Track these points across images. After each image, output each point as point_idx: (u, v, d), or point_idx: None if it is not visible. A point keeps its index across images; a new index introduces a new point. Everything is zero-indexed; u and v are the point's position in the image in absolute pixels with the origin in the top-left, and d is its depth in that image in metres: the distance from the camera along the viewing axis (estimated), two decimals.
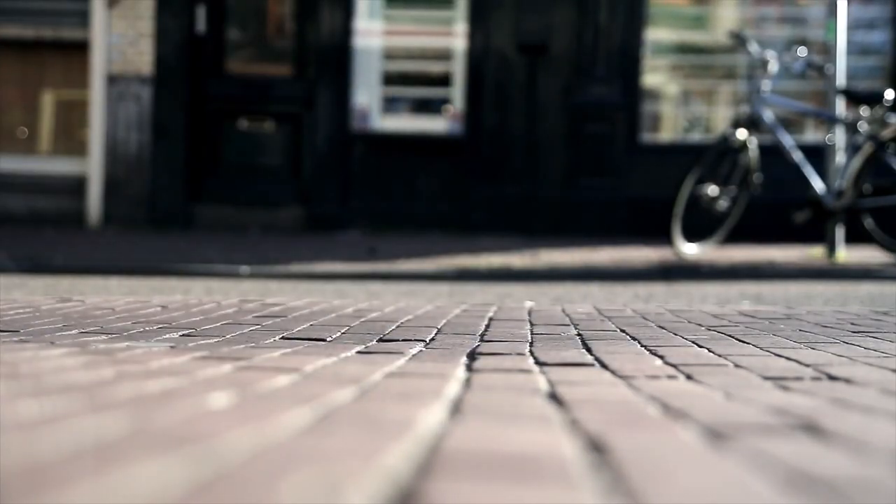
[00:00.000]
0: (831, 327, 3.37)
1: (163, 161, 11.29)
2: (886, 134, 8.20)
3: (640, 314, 3.79)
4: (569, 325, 3.36)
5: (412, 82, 11.51)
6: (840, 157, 8.49)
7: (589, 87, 11.13)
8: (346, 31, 11.30)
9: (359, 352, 2.51)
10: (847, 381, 2.04)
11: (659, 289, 6.97)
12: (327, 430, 1.37)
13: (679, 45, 11.50)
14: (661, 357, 2.44)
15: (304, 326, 3.18)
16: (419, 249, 9.05)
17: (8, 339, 2.71)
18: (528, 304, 4.55)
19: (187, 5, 11.28)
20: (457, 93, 11.37)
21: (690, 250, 8.48)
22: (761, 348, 2.68)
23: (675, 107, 11.57)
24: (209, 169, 11.43)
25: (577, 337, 2.97)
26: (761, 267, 8.08)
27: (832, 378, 2.08)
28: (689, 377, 2.09)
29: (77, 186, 11.36)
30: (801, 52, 8.90)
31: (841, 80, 8.59)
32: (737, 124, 8.67)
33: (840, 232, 8.55)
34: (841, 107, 8.59)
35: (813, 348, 2.70)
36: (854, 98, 8.54)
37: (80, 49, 11.33)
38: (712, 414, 1.60)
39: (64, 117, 11.75)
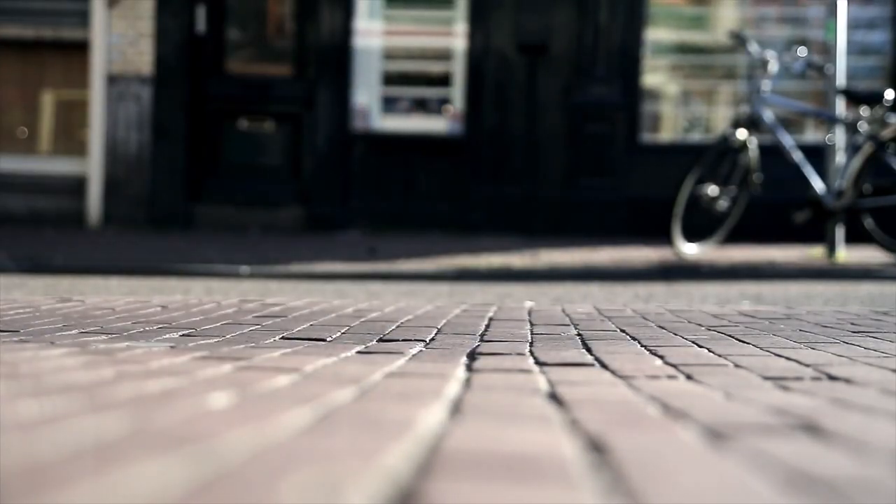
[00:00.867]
0: (831, 327, 3.37)
1: (163, 161, 11.29)
2: (886, 134, 8.19)
3: (640, 314, 3.79)
4: (569, 325, 3.36)
5: (412, 82, 11.51)
6: (840, 157, 8.49)
7: (589, 87, 11.13)
8: (346, 31, 11.30)
9: (359, 352, 2.51)
10: (847, 381, 2.04)
11: (659, 289, 6.97)
12: (327, 430, 1.37)
13: (679, 45, 11.50)
14: (661, 357, 2.44)
15: (304, 326, 3.18)
16: (419, 249, 9.04)
17: (8, 339, 2.70)
18: (528, 304, 4.54)
19: (187, 5, 11.28)
20: (457, 93, 11.37)
21: (690, 250, 8.47)
22: (761, 348, 2.68)
23: (675, 107, 11.56)
24: (209, 169, 11.43)
25: (577, 337, 2.97)
26: (761, 267, 8.07)
27: (832, 378, 2.08)
28: (689, 377, 2.09)
29: (77, 186, 11.36)
30: (801, 52, 8.90)
31: (841, 80, 8.59)
32: (737, 124, 8.67)
33: (840, 232, 8.55)
34: (841, 107, 8.59)
35: (813, 348, 2.69)
36: (854, 98, 8.54)
37: (80, 49, 11.33)
38: (712, 414, 1.60)
39: (64, 117, 11.75)
